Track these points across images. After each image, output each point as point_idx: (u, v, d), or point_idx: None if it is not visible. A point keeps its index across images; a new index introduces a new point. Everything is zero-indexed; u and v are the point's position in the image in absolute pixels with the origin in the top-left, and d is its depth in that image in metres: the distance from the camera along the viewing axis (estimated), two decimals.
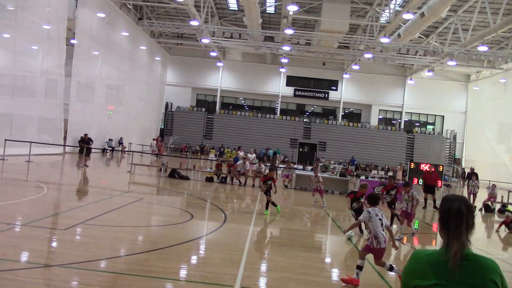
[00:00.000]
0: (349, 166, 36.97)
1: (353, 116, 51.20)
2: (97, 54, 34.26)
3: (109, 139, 36.12)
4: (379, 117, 50.96)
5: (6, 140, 21.36)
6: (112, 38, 35.87)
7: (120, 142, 38.22)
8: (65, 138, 30.10)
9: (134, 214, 10.87)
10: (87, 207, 11.30)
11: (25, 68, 26.98)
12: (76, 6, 30.56)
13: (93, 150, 26.10)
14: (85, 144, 23.18)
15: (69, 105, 30.44)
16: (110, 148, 35.35)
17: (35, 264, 6.07)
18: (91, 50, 33.22)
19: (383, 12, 33.42)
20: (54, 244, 7.40)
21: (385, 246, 6.44)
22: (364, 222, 6.99)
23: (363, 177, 26.51)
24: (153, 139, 39.78)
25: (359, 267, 6.46)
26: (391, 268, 6.62)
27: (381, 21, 34.65)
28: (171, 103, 51.57)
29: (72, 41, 31.08)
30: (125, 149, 36.71)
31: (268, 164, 25.79)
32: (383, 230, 6.36)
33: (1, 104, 24.99)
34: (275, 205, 12.77)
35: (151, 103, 47.38)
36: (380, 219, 6.44)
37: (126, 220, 9.86)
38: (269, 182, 12.68)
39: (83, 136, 24.42)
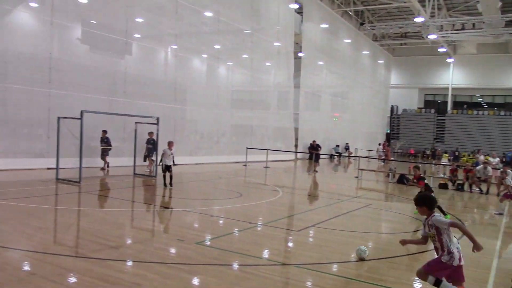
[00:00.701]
0: None
1: None
2: (322, 64, 35.82)
3: (336, 145, 37.19)
4: None
5: (247, 148, 24.28)
6: (335, 47, 37.01)
7: (347, 148, 38.93)
8: (296, 145, 32.34)
9: (363, 220, 10.74)
10: (318, 210, 11.75)
11: (261, 83, 30.21)
12: (302, 21, 32.62)
13: (321, 156, 27.29)
14: (314, 150, 24.40)
15: (298, 114, 32.59)
16: (337, 154, 36.34)
17: (274, 261, 6.54)
18: (316, 61, 34.97)
19: None
20: (290, 244, 7.87)
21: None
22: None
23: None
24: (379, 144, 39.21)
25: None
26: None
27: None
28: (397, 106, 49.92)
29: (300, 54, 33.27)
30: (352, 155, 37.20)
31: None
32: None
33: (243, 116, 28.53)
34: None
35: (375, 108, 46.88)
36: None
37: (355, 225, 9.80)
38: None
39: (312, 142, 25.80)
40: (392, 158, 34.31)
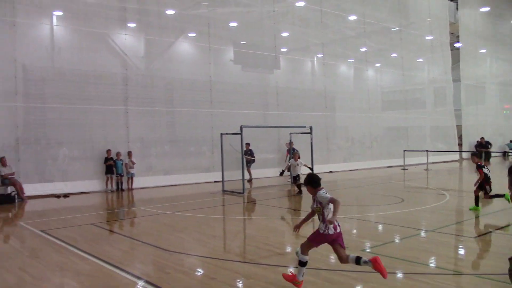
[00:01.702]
0: None
1: None
2: (484, 51, 32.42)
3: (510, 141, 32.98)
4: None
5: (405, 151, 23.13)
6: (500, 31, 33.17)
7: None
8: (459, 144, 29.71)
9: None
10: (494, 215, 10.56)
11: (413, 81, 28.63)
12: (457, 8, 30.10)
13: (492, 154, 24.52)
14: (483, 148, 22.09)
15: (460, 110, 29.98)
16: None
17: (445, 269, 6.08)
18: (477, 49, 31.81)
19: None
20: (461, 251, 7.24)
21: None
22: None
23: None
24: None
25: None
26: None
27: None
28: None
29: (457, 45, 30.66)
30: None
31: None
32: None
33: (396, 118, 27.35)
34: None
35: None
36: None
37: None
38: None
39: (479, 140, 23.40)
40: None
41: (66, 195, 14.85)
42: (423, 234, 8.34)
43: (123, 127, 16.98)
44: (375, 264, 5.05)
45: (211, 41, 19.21)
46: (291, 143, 17.95)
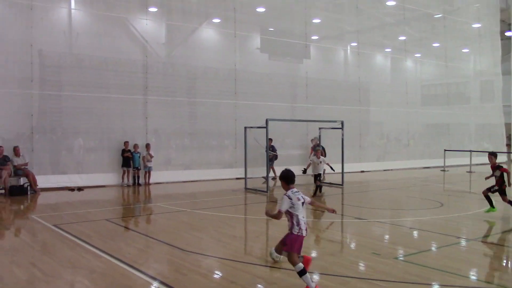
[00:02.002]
0: None
1: None
2: None
3: None
4: None
5: (445, 150, 22.64)
6: None
7: None
8: (508, 144, 28.94)
9: None
10: None
11: (457, 74, 27.99)
12: None
13: None
14: None
15: (510, 106, 29.16)
16: None
17: (489, 283, 5.91)
18: None
19: None
20: (507, 264, 7.03)
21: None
22: None
23: None
24: None
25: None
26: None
27: None
28: None
29: (507, 34, 29.78)
30: None
31: None
32: None
33: (437, 114, 26.82)
34: None
35: None
36: None
37: None
38: None
39: None
40: None
41: (80, 188, 15.15)
42: (464, 243, 8.14)
43: (141, 118, 17.18)
44: None
45: (237, 27, 19.18)
46: (317, 139, 17.80)
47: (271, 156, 17.53)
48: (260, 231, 9.41)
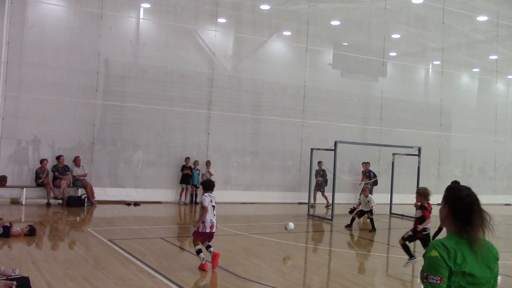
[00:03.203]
0: None
1: None
2: None
3: None
4: None
5: None
6: None
7: None
8: None
9: None
10: None
11: None
12: None
13: None
14: None
15: None
16: None
17: None
18: None
19: None
20: None
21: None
22: None
23: None
24: None
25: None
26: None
27: None
28: None
29: None
30: None
31: None
32: None
33: None
34: None
35: None
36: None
37: None
38: None
39: None
40: None
41: (136, 203, 15.69)
42: None
43: (203, 133, 17.62)
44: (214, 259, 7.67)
45: (309, 41, 19.32)
46: (369, 164, 17.57)
47: (320, 182, 17.39)
48: (321, 262, 9.33)
